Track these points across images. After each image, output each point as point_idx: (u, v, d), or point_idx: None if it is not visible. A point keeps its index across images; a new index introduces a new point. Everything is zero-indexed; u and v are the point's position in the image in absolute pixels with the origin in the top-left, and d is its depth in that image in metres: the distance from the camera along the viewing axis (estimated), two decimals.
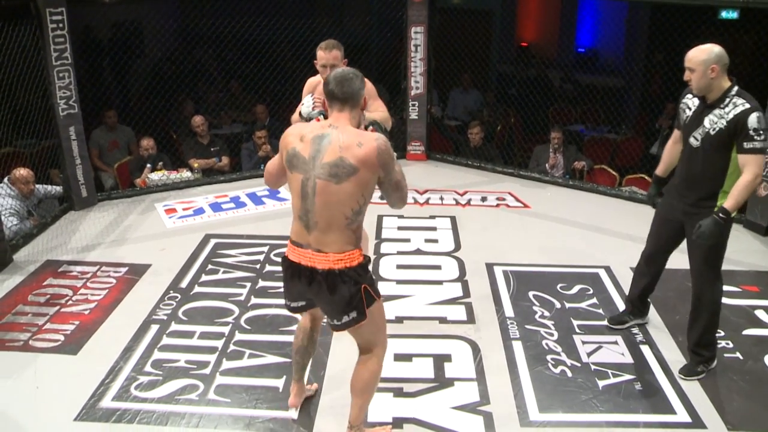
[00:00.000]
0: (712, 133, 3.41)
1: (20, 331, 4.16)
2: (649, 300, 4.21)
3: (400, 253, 5.17)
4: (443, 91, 8.68)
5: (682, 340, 4.01)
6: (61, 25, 5.56)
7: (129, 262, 5.03)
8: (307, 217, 2.74)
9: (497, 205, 6.18)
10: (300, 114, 3.75)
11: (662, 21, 6.54)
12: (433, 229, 5.62)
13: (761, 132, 3.30)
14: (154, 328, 4.17)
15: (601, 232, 5.50)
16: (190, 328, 4.17)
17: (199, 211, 6.02)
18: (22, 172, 5.59)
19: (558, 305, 4.44)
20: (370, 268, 2.92)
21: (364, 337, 2.96)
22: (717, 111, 3.40)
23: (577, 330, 4.17)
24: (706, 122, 3.43)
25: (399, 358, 3.87)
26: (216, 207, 6.08)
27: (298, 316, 3.42)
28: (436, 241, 5.39)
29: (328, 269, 2.74)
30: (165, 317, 4.28)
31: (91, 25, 8.99)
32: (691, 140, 3.52)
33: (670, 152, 3.83)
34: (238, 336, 4.05)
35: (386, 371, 3.66)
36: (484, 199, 6.31)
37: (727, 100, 3.38)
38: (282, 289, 3.02)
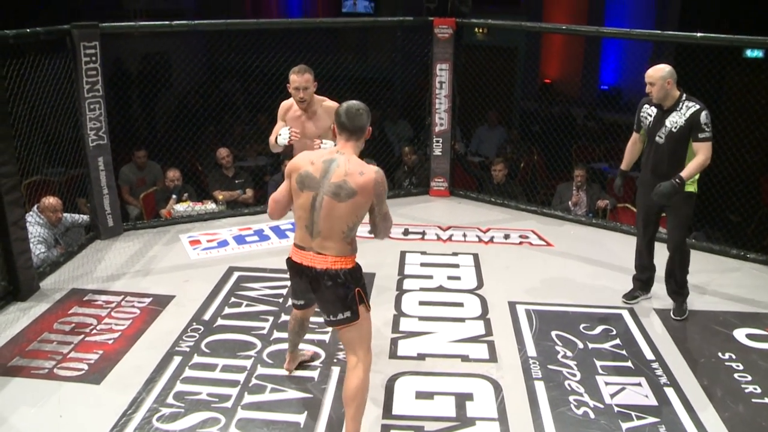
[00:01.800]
0: (674, 130, 4.44)
1: (45, 358, 4.20)
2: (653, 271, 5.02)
3: (422, 289, 5.17)
4: (467, 127, 8.72)
5: (707, 384, 3.98)
6: (94, 58, 5.68)
7: (153, 293, 5.06)
8: (312, 227, 3.16)
9: (520, 243, 6.17)
10: (276, 141, 4.42)
11: (687, 60, 6.54)
12: (456, 266, 5.61)
13: (709, 125, 4.38)
14: (177, 359, 4.19)
15: (624, 272, 5.45)
16: (212, 360, 4.18)
17: (223, 244, 6.06)
18: (50, 200, 5.68)
19: (581, 345, 4.41)
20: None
21: (352, 340, 3.28)
22: (675, 113, 4.44)
23: (600, 371, 4.13)
24: (668, 123, 4.46)
25: (420, 395, 3.85)
26: (240, 240, 6.12)
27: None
28: (458, 278, 5.38)
29: (326, 269, 3.16)
30: (188, 349, 4.30)
31: (121, 57, 9.17)
32: (657, 139, 4.54)
33: (631, 151, 4.90)
34: (260, 370, 4.06)
35: (408, 409, 3.71)
36: (507, 236, 6.30)
37: (681, 104, 4.44)
38: None
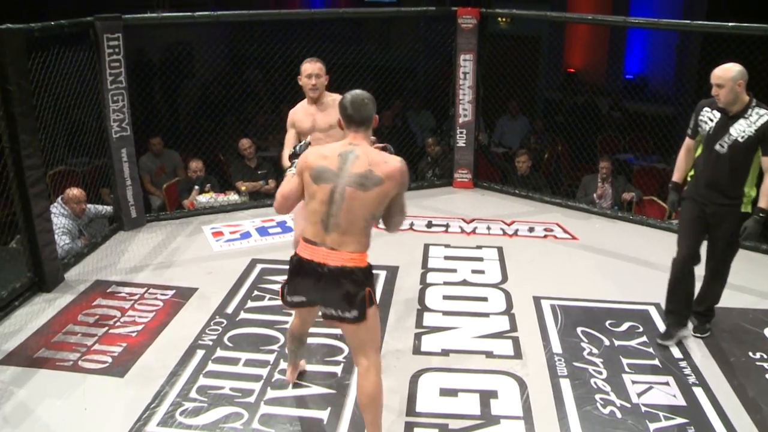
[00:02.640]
0: (740, 140, 3.93)
1: (70, 350, 4.22)
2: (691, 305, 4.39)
3: (446, 283, 5.13)
4: (490, 118, 8.64)
5: (737, 384, 3.91)
6: (117, 49, 5.68)
7: (176, 285, 5.07)
8: (329, 220, 3.04)
9: (545, 236, 6.11)
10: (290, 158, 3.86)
11: (713, 48, 6.41)
12: (480, 259, 5.57)
13: None
14: (200, 353, 4.18)
15: (650, 266, 5.38)
16: (235, 354, 4.18)
17: (246, 235, 6.06)
18: (74, 191, 5.70)
19: (607, 342, 4.35)
20: None
21: (360, 339, 3.16)
22: (743, 121, 3.94)
23: (627, 369, 4.07)
24: (733, 131, 3.95)
25: (444, 392, 3.82)
26: (263, 231, 6.11)
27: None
28: (482, 272, 5.34)
29: (340, 266, 3.02)
30: (211, 343, 4.30)
31: (144, 47, 9.17)
32: (717, 148, 4.01)
33: (685, 161, 4.30)
34: (284, 365, 4.03)
35: (432, 406, 3.68)
36: (531, 229, 6.24)
37: (750, 110, 3.94)
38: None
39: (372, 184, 3.00)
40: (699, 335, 4.39)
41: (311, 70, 4.30)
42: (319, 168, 3.05)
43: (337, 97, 4.18)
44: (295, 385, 3.86)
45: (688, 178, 4.32)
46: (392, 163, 3.05)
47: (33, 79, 4.84)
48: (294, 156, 3.43)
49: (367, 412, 3.21)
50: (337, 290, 3.05)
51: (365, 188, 2.99)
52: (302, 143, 3.56)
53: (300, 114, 4.40)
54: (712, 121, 4.06)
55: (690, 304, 4.33)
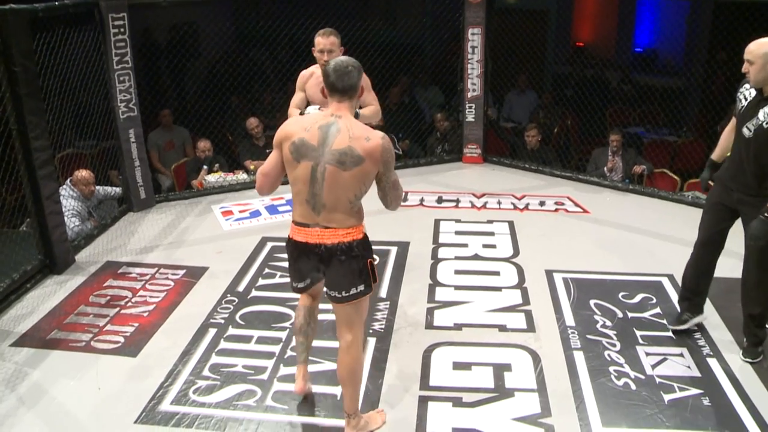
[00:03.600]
0: (765, 126, 3.46)
1: (82, 331, 4.23)
2: (707, 291, 4.11)
3: (457, 258, 5.11)
4: (498, 92, 8.57)
5: None
6: (122, 29, 5.64)
7: (186, 265, 5.07)
8: (315, 200, 2.91)
9: (556, 210, 6.07)
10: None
11: (725, 18, 6.33)
12: (491, 234, 5.54)
13: None
14: (212, 331, 4.18)
15: (662, 238, 5.34)
16: (247, 332, 4.17)
17: (256, 214, 6.04)
18: (83, 173, 5.70)
19: (620, 314, 4.32)
20: None
21: (351, 316, 3.08)
22: None
23: (641, 341, 4.04)
24: (761, 114, 3.48)
25: (458, 366, 3.81)
26: (272, 209, 6.09)
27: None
28: (494, 246, 5.31)
29: (337, 242, 2.93)
30: (222, 321, 4.30)
31: (150, 27, 9.12)
32: (744, 130, 3.58)
33: (726, 138, 3.87)
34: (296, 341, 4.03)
35: (445, 380, 3.67)
36: (542, 203, 6.20)
37: None
38: None
39: (351, 163, 2.82)
40: (749, 359, 3.84)
41: (323, 44, 4.12)
42: (298, 142, 2.87)
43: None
44: (309, 361, 3.83)
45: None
46: (374, 139, 2.84)
47: (38, 60, 4.82)
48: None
49: (347, 386, 3.17)
50: (339, 269, 2.97)
51: (345, 167, 2.83)
52: (314, 108, 3.42)
53: (312, 82, 4.32)
54: (746, 99, 3.61)
55: (704, 290, 4.06)
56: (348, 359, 3.10)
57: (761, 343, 3.86)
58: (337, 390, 3.60)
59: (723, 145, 3.92)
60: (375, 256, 3.13)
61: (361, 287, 3.01)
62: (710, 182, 4.01)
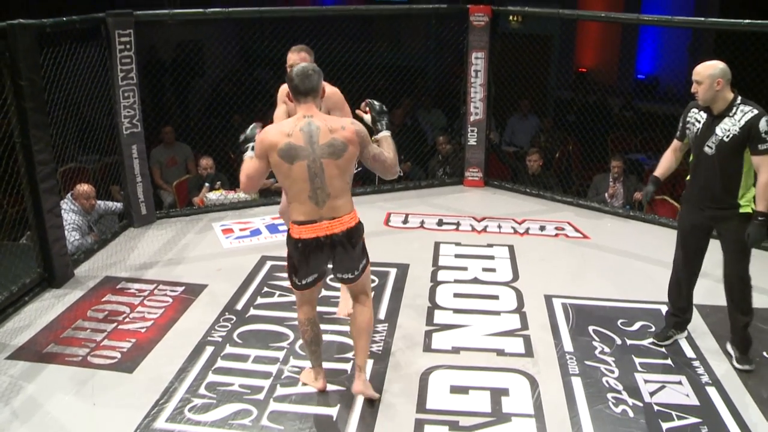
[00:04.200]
0: (726, 140, 3.77)
1: (79, 346, 4.21)
2: (690, 307, 4.32)
3: (457, 281, 5.10)
4: (501, 117, 8.61)
5: (751, 384, 3.86)
6: (128, 46, 5.68)
7: (185, 282, 5.06)
8: (318, 194, 3.23)
9: (556, 235, 6.07)
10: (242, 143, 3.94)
11: (727, 47, 6.35)
12: (491, 257, 5.53)
13: None
14: (209, 349, 4.17)
15: (662, 266, 5.28)
16: (244, 351, 4.16)
17: (256, 232, 6.04)
18: (84, 187, 5.71)
19: (619, 341, 4.31)
20: None
21: (365, 285, 3.52)
22: (727, 120, 3.77)
23: (639, 368, 4.03)
24: (718, 131, 3.79)
25: (455, 390, 3.79)
26: (273, 228, 6.09)
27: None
28: (494, 270, 5.30)
29: (347, 229, 3.28)
30: (220, 339, 4.28)
31: (156, 45, 9.18)
32: (706, 149, 3.87)
33: (668, 159, 4.22)
34: (293, 362, 4.02)
35: (442, 403, 3.67)
36: (542, 228, 6.20)
37: (734, 108, 3.77)
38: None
39: (340, 150, 3.21)
40: (746, 367, 4.02)
41: (293, 61, 4.23)
42: (285, 147, 3.18)
43: (328, 88, 4.15)
44: (305, 383, 3.83)
45: (686, 180, 4.14)
46: (348, 126, 3.25)
47: (45, 74, 4.85)
48: (246, 141, 3.52)
49: (361, 338, 3.54)
50: (351, 252, 3.33)
51: (336, 156, 3.21)
52: (253, 126, 3.62)
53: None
54: (699, 122, 3.91)
55: (690, 307, 4.28)
56: (364, 315, 3.52)
57: (750, 346, 4.09)
58: (333, 411, 3.60)
59: (664, 166, 4.24)
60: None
61: (364, 261, 3.44)
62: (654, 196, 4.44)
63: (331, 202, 3.24)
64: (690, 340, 4.32)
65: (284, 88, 4.53)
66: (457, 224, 6.25)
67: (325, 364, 3.93)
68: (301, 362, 4.02)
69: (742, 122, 3.73)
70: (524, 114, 9.23)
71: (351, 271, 3.41)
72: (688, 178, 4.10)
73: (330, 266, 3.47)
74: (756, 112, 3.73)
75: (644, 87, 10.80)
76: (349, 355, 4.07)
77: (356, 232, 3.34)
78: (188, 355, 4.11)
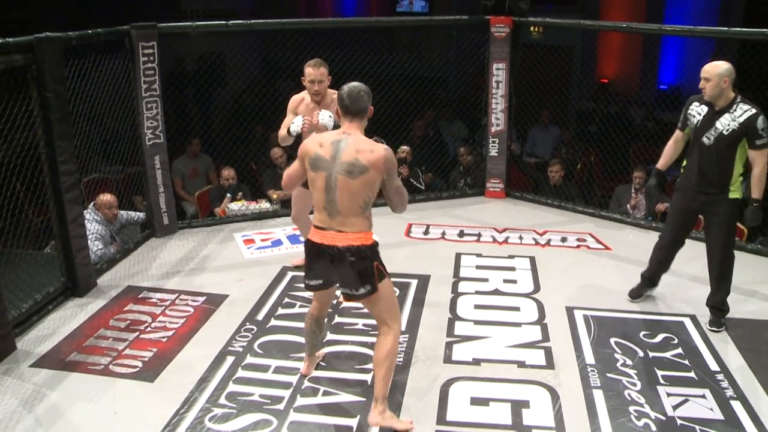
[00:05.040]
0: (725, 133, 4.22)
1: (101, 355, 4.24)
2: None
3: (478, 292, 5.09)
4: (522, 127, 8.59)
5: None
6: (151, 58, 5.74)
7: (207, 292, 5.08)
8: (331, 207, 3.32)
9: (578, 247, 6.03)
10: (288, 131, 4.57)
11: (751, 57, 6.30)
12: (512, 269, 5.51)
13: (766, 130, 4.16)
14: (230, 359, 4.18)
15: (685, 277, 5.28)
16: (265, 361, 4.17)
17: (277, 243, 6.07)
18: (107, 197, 5.77)
19: (641, 354, 4.27)
20: None
21: (380, 311, 3.49)
22: (728, 115, 4.22)
23: (662, 381, 3.99)
24: (718, 125, 4.24)
25: (475, 401, 3.78)
26: (294, 239, 6.11)
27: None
28: (515, 281, 5.28)
29: (348, 245, 3.31)
30: (241, 349, 4.30)
31: (182, 57, 9.27)
32: (704, 140, 4.31)
33: (672, 150, 4.64)
34: (313, 372, 4.02)
35: (462, 415, 3.65)
36: (564, 239, 6.17)
37: (735, 106, 4.22)
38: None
39: (358, 171, 3.24)
40: (715, 329, 4.54)
41: (314, 75, 4.58)
42: (314, 156, 3.32)
43: (334, 92, 4.30)
44: (325, 393, 3.84)
45: (682, 170, 4.60)
46: (377, 151, 3.26)
47: (69, 86, 4.91)
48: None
49: (380, 368, 3.48)
50: (350, 269, 3.34)
51: (352, 176, 3.25)
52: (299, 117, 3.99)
53: (303, 109, 4.70)
54: (700, 114, 4.36)
55: (659, 276, 4.89)
56: (384, 345, 3.47)
57: (725, 315, 4.60)
58: (353, 422, 3.60)
59: (667, 156, 4.66)
60: (381, 261, 3.45)
61: (368, 287, 3.38)
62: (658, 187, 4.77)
63: (341, 218, 3.31)
64: (714, 353, 4.27)
65: (295, 99, 4.79)
66: (478, 235, 6.23)
67: (346, 375, 3.97)
68: (321, 372, 4.03)
69: (741, 119, 4.18)
70: (545, 125, 9.20)
71: (348, 288, 3.41)
72: (684, 164, 4.55)
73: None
74: (754, 111, 4.18)
75: (666, 97, 10.70)
76: (370, 365, 4.06)
77: (358, 253, 3.32)
78: (209, 364, 4.12)
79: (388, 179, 3.32)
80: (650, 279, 4.92)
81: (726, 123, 4.22)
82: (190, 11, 11.96)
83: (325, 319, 3.91)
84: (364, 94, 3.34)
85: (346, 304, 4.62)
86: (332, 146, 3.29)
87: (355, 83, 3.38)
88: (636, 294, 4.94)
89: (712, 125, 4.28)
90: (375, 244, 3.41)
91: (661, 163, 4.69)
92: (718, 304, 4.58)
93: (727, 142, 4.24)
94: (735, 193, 4.35)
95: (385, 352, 3.46)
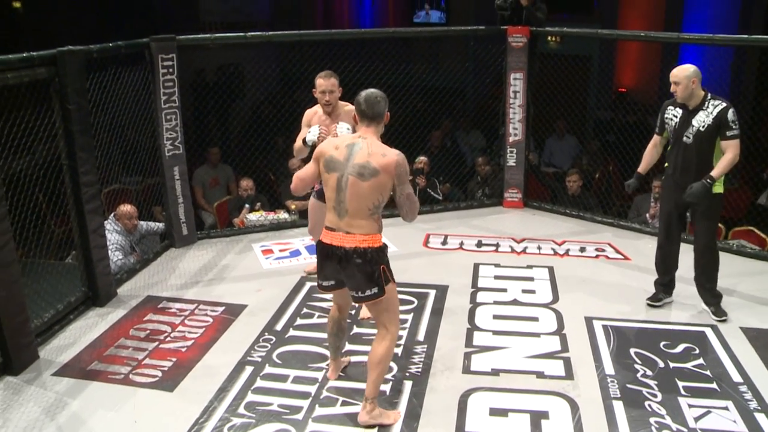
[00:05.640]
0: (702, 129, 4.49)
1: (121, 364, 4.28)
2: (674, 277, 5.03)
3: (496, 302, 5.07)
4: (540, 137, 8.57)
5: None
6: (171, 69, 5.80)
7: (226, 302, 5.11)
8: (340, 207, 3.41)
9: (596, 257, 6.00)
10: (304, 141, 4.61)
11: None
12: (531, 279, 5.49)
13: (736, 122, 4.44)
14: (249, 369, 4.20)
15: None
16: (284, 371, 4.18)
17: (296, 253, 6.09)
18: (126, 208, 5.82)
19: (661, 364, 4.24)
20: None
21: (381, 312, 3.56)
22: (702, 113, 4.50)
23: (683, 392, 3.95)
24: (695, 123, 4.52)
25: (494, 412, 3.76)
26: (312, 249, 6.10)
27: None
28: (533, 291, 5.26)
29: (355, 247, 3.39)
30: (259, 359, 4.31)
31: (203, 68, 9.34)
32: (684, 139, 4.60)
33: (651, 154, 4.98)
34: (332, 382, 4.03)
35: (481, 425, 3.64)
36: (582, 249, 6.14)
37: (707, 103, 4.51)
38: None
39: (369, 174, 3.34)
40: (718, 318, 4.74)
41: (325, 86, 4.63)
42: (329, 158, 3.43)
43: (350, 107, 4.35)
44: (344, 403, 3.84)
45: (665, 167, 4.86)
46: (390, 156, 3.35)
47: (91, 98, 4.97)
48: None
49: (373, 371, 3.56)
50: (356, 270, 3.42)
51: (363, 178, 3.34)
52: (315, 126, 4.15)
53: (316, 121, 4.75)
54: (676, 117, 4.65)
55: (674, 275, 5.00)
56: (379, 348, 3.55)
57: (720, 301, 4.81)
58: None
59: (647, 160, 4.99)
60: (389, 263, 3.54)
61: (375, 290, 3.45)
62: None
63: (349, 219, 3.40)
64: (737, 364, 4.23)
65: (308, 113, 4.84)
66: (497, 245, 6.22)
67: (364, 385, 3.91)
68: (340, 383, 4.03)
69: (714, 113, 4.47)
70: (561, 135, 9.18)
71: (355, 290, 3.50)
72: (666, 165, 4.83)
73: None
74: (725, 104, 4.47)
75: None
76: (388, 376, 4.07)
77: (365, 255, 3.40)
78: (228, 374, 4.14)
79: (399, 185, 3.39)
80: (661, 284, 5.02)
81: (701, 120, 4.50)
82: (209, 23, 12.06)
83: (347, 321, 3.96)
84: (381, 99, 3.45)
85: (364, 315, 4.64)
86: (347, 149, 3.39)
87: (372, 89, 3.48)
88: (655, 298, 5.03)
89: (689, 124, 4.56)
90: (383, 247, 3.48)
91: (642, 167, 5.01)
92: (710, 296, 4.82)
93: (705, 137, 4.51)
94: (718, 188, 4.57)
95: (380, 355, 3.54)
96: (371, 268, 3.41)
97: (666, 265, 4.98)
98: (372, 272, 3.42)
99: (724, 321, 4.72)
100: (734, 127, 4.45)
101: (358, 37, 7.34)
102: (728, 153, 4.47)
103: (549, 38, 10.54)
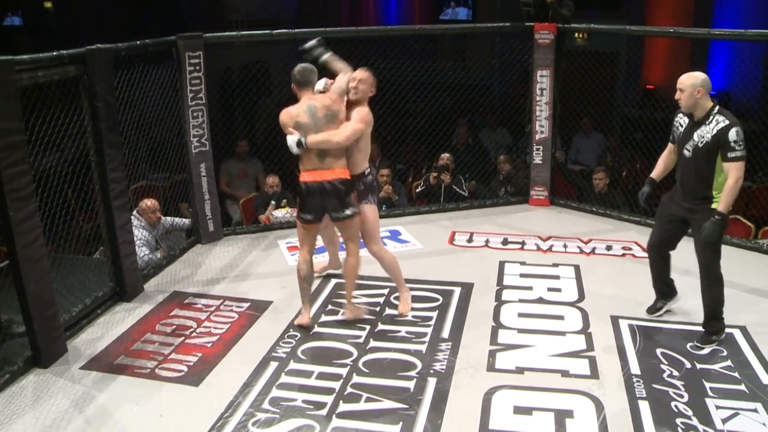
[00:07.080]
0: (700, 145, 4.16)
1: (148, 358, 4.33)
2: (672, 280, 4.78)
3: (522, 301, 5.05)
4: (567, 135, 8.50)
5: None
6: (198, 67, 5.84)
7: (251, 298, 5.14)
8: (321, 153, 4.35)
9: (623, 255, 5.95)
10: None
11: None
12: (557, 277, 5.46)
13: (740, 143, 4.05)
14: (273, 365, 4.22)
15: (735, 288, 5.14)
16: (308, 367, 4.20)
17: (321, 250, 6.06)
18: (148, 202, 5.89)
19: (688, 365, 4.19)
20: None
21: (352, 231, 4.58)
22: (703, 127, 4.15)
23: (710, 393, 3.90)
24: (695, 136, 4.19)
25: (518, 410, 3.75)
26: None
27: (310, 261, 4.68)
28: (559, 290, 5.23)
29: (335, 178, 4.36)
30: (284, 355, 4.33)
31: (231, 66, 9.39)
32: (684, 152, 4.30)
33: (664, 160, 4.66)
34: (356, 379, 4.04)
35: (505, 424, 3.64)
36: (609, 248, 6.09)
37: (711, 117, 4.14)
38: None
39: (333, 116, 4.37)
40: (700, 345, 4.41)
41: (357, 74, 4.61)
42: (295, 125, 4.35)
43: (360, 108, 4.53)
44: (368, 399, 3.84)
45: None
46: (333, 97, 4.43)
47: (119, 96, 5.02)
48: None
49: (350, 279, 4.67)
50: (336, 197, 4.37)
51: (333, 121, 4.36)
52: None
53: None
54: (682, 126, 4.35)
55: (667, 281, 4.76)
56: (352, 260, 4.64)
57: (716, 334, 4.44)
58: (395, 429, 3.61)
59: (662, 166, 4.67)
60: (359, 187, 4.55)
61: (348, 211, 4.44)
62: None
63: (329, 159, 4.35)
64: (766, 366, 4.17)
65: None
66: (522, 243, 6.19)
67: (389, 382, 3.97)
68: (363, 379, 4.05)
69: (714, 131, 4.10)
70: (587, 132, 9.11)
71: (334, 211, 4.43)
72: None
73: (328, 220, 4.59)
74: (727, 122, 4.08)
75: (715, 103, 10.52)
76: (412, 373, 4.08)
77: (340, 183, 4.36)
78: (253, 370, 4.17)
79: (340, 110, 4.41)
80: (657, 289, 4.79)
81: (701, 135, 4.15)
82: (235, 21, 12.13)
83: (313, 272, 4.74)
84: (310, 70, 4.47)
85: (388, 311, 4.66)
86: (306, 112, 4.34)
87: (304, 64, 4.49)
88: (653, 309, 4.79)
89: (690, 137, 4.24)
90: (352, 180, 4.44)
91: (655, 173, 4.70)
92: (706, 319, 4.45)
93: (702, 154, 4.16)
94: (717, 205, 4.22)
95: (352, 265, 4.64)
96: (346, 194, 4.39)
97: (656, 267, 4.72)
98: (346, 196, 4.40)
99: (703, 348, 4.39)
100: (737, 148, 4.05)
101: (385, 35, 7.34)
102: (729, 178, 4.09)
103: (576, 35, 10.45)
